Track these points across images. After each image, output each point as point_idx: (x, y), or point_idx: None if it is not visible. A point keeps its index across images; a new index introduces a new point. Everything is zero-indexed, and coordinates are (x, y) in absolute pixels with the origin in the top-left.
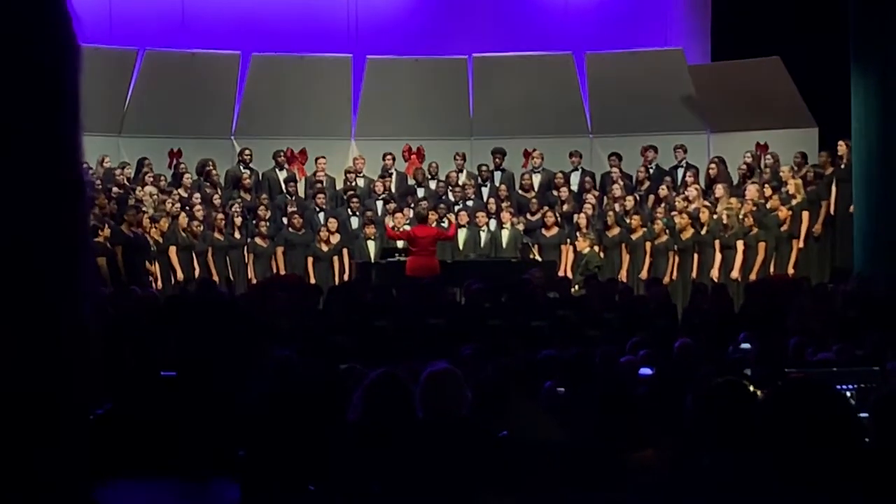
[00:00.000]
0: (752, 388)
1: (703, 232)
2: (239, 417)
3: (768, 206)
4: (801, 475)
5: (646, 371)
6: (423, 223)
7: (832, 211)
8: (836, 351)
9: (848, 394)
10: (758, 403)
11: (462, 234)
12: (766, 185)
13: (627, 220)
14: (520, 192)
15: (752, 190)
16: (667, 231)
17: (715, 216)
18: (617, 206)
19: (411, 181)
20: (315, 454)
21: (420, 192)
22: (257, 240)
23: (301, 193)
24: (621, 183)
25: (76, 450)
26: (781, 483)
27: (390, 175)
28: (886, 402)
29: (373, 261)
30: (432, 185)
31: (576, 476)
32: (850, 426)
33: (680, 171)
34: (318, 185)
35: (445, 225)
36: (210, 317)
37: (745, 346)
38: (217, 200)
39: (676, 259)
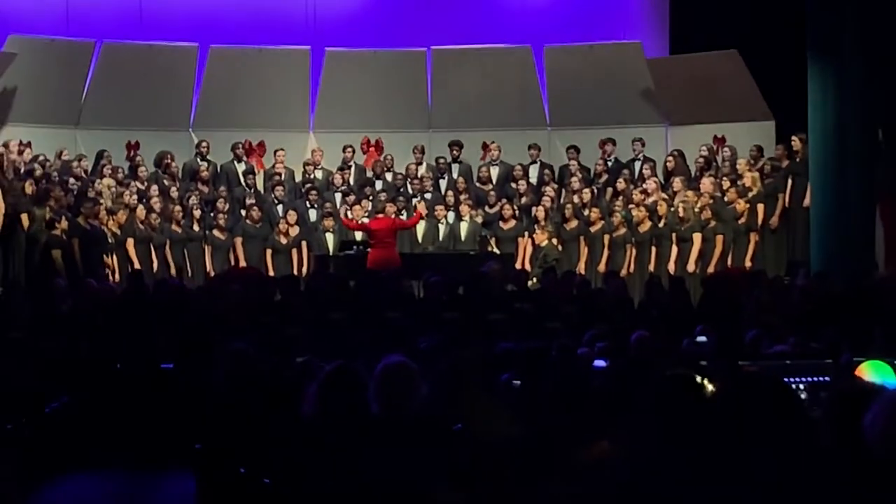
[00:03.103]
0: (703, 381)
1: (661, 225)
2: (194, 410)
3: (726, 199)
4: (748, 467)
5: (600, 363)
6: (380, 215)
7: (787, 204)
8: (792, 344)
9: (802, 387)
10: (708, 396)
11: (421, 227)
12: (725, 178)
13: (586, 213)
14: (478, 184)
15: (706, 183)
16: (625, 224)
17: (672, 209)
18: (575, 199)
19: (370, 173)
20: (270, 447)
21: (378, 185)
22: (215, 232)
23: (259, 186)
24: (579, 176)
25: None
26: (729, 475)
27: (349, 167)
28: (838, 398)
29: (331, 253)
30: (388, 177)
31: (530, 469)
32: (797, 419)
33: (638, 164)
34: (277, 178)
35: (405, 217)
36: (161, 310)
37: (702, 338)
38: (175, 193)
39: (634, 252)
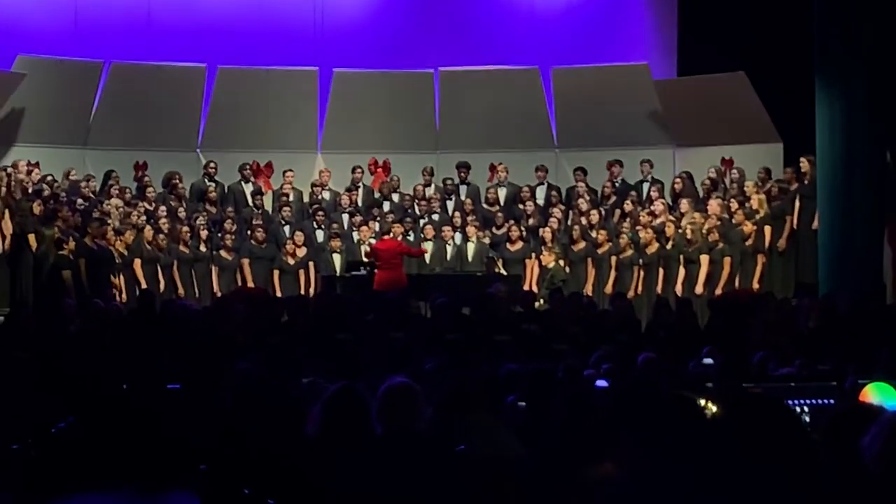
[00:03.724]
0: (707, 403)
1: (669, 247)
2: (200, 431)
3: (733, 220)
4: (750, 488)
5: (602, 383)
6: (385, 237)
7: (796, 226)
8: (798, 366)
9: (806, 409)
10: (709, 418)
11: (428, 248)
12: (732, 200)
13: (593, 235)
14: (485, 206)
15: (713, 205)
16: (632, 245)
17: (680, 231)
18: (583, 220)
19: (377, 194)
20: (275, 468)
21: (386, 206)
22: (222, 253)
23: (268, 206)
24: (587, 197)
25: None
26: (730, 497)
27: (357, 188)
28: (837, 419)
29: (338, 274)
30: (396, 198)
31: (533, 490)
32: (797, 440)
33: (645, 186)
34: (284, 198)
35: (412, 238)
36: (167, 331)
37: (708, 360)
38: (182, 213)
39: (641, 273)
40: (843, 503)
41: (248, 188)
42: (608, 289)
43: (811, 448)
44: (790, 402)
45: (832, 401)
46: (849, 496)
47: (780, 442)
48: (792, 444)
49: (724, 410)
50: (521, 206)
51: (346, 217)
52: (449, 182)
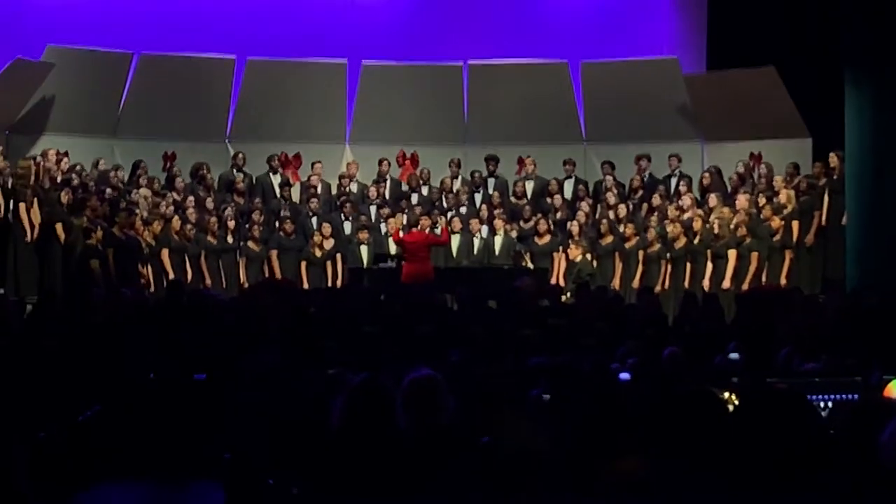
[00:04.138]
0: (730, 397)
1: (696, 241)
2: (225, 420)
3: (761, 216)
4: (765, 482)
5: (625, 375)
6: (413, 229)
7: (824, 222)
8: (824, 362)
9: (830, 404)
10: (729, 412)
11: (455, 241)
12: (760, 195)
13: (621, 229)
14: (513, 199)
15: (741, 200)
16: (660, 240)
17: (707, 225)
18: (610, 214)
19: (405, 187)
20: (299, 459)
21: (414, 198)
22: (250, 244)
23: (295, 198)
24: (615, 191)
25: None
26: (747, 491)
27: (384, 181)
28: (856, 415)
29: (365, 266)
30: (424, 190)
31: (557, 483)
32: (813, 435)
33: (673, 181)
34: (312, 190)
35: (438, 231)
36: (194, 321)
37: (734, 355)
38: (210, 204)
39: (669, 268)
40: (858, 499)
41: (276, 179)
42: (635, 283)
43: (827, 442)
44: (814, 397)
45: (856, 396)
46: (864, 492)
47: (794, 435)
48: (807, 437)
49: (740, 404)
50: (548, 200)
51: (373, 209)
52: (477, 175)
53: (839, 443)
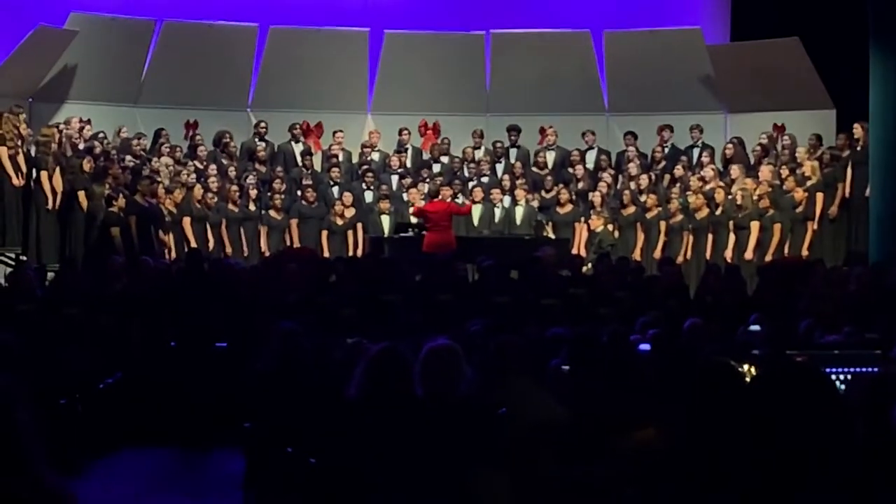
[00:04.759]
0: (749, 369)
1: (718, 212)
2: (245, 389)
3: (784, 187)
4: (780, 454)
5: (644, 346)
6: (435, 199)
7: (848, 194)
8: (846, 334)
9: (849, 377)
10: (747, 384)
11: (477, 211)
12: (783, 167)
13: (643, 199)
14: (535, 169)
15: (765, 171)
16: (682, 211)
17: (730, 197)
18: (632, 185)
19: (427, 156)
20: (317, 428)
21: (436, 168)
22: (271, 212)
23: (317, 167)
24: (637, 162)
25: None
26: (762, 462)
27: (406, 150)
28: (872, 387)
29: (386, 235)
30: (445, 160)
31: (575, 454)
32: (830, 407)
33: (696, 151)
34: (334, 159)
35: (460, 201)
36: (215, 290)
37: (755, 327)
38: (232, 172)
39: (691, 239)
40: (872, 470)
41: (298, 148)
42: (657, 254)
43: (844, 415)
44: (833, 369)
45: (876, 369)
46: (878, 464)
47: (810, 407)
48: (823, 409)
49: (757, 376)
50: (570, 170)
51: (395, 178)
52: (499, 145)
53: (857, 414)
